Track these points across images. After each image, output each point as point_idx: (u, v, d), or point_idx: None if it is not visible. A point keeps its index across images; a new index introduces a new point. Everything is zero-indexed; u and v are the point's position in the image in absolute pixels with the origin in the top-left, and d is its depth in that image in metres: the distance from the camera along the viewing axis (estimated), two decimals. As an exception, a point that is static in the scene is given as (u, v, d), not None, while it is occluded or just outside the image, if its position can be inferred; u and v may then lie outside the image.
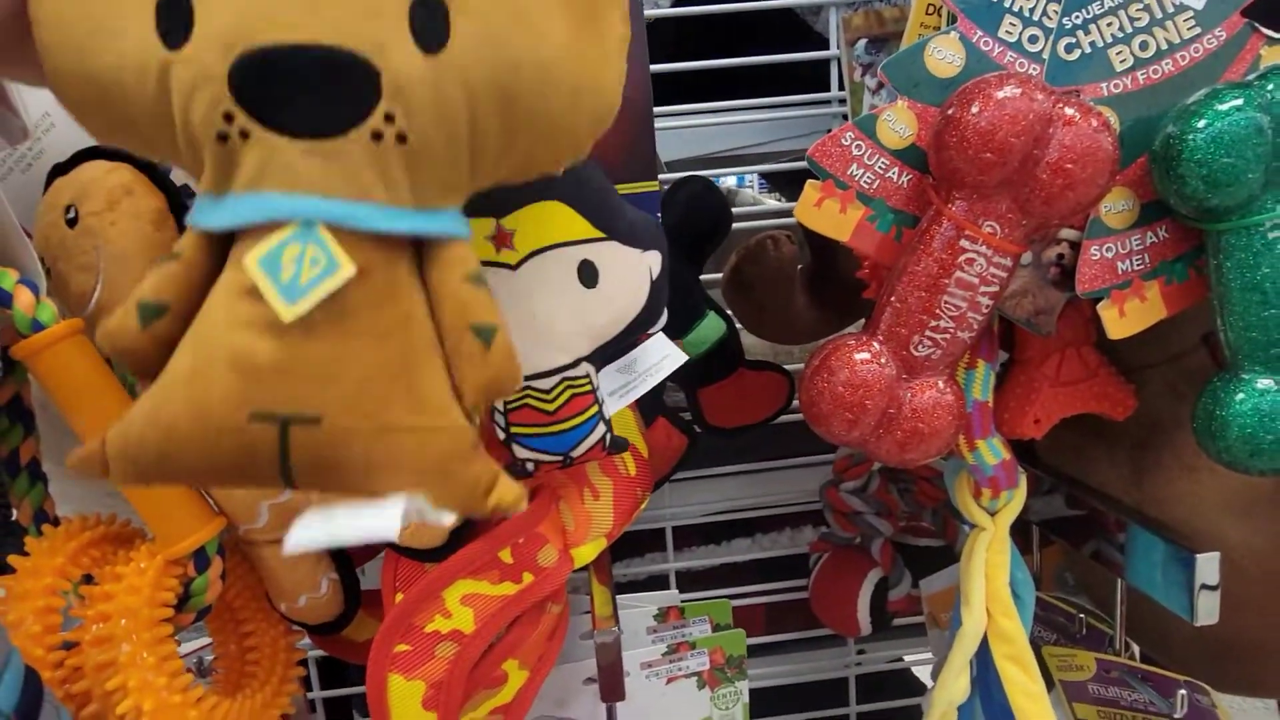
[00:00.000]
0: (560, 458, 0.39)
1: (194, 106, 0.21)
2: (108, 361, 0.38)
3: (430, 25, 0.22)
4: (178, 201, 0.39)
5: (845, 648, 0.72)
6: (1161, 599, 0.44)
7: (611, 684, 0.43)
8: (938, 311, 0.36)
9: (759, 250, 0.50)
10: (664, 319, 0.41)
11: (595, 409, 0.39)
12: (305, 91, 0.21)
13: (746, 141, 0.66)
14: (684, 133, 0.63)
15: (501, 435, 0.38)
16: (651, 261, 0.38)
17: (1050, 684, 0.52)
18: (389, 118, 0.22)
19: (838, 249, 0.51)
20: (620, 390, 0.41)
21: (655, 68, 0.55)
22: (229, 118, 0.21)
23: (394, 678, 0.39)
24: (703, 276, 0.54)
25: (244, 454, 0.22)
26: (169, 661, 0.37)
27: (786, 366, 0.58)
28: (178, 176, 0.42)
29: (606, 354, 0.40)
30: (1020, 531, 0.58)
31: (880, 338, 0.37)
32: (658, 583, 0.71)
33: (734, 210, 0.62)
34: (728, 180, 1.09)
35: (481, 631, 0.40)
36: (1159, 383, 0.45)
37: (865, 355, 0.37)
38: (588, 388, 0.39)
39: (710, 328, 0.54)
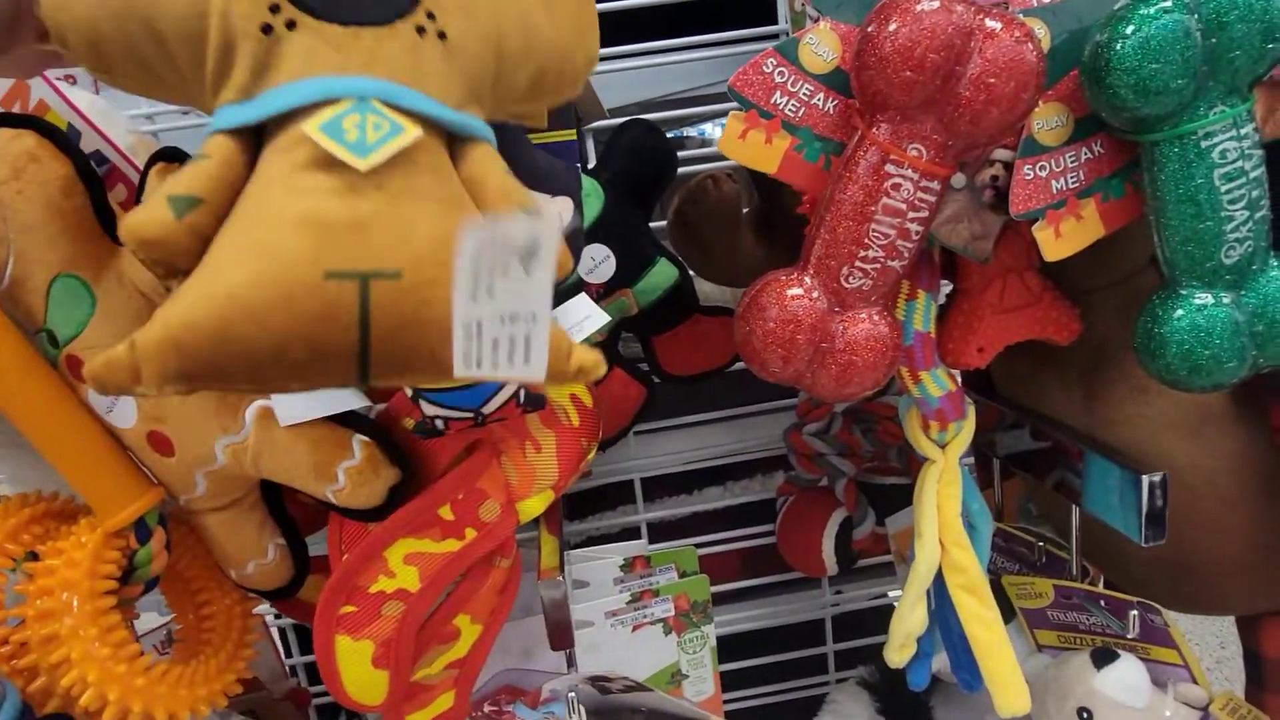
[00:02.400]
0: (471, 414, 0.39)
1: (238, 3, 0.21)
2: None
3: None
4: (85, 167, 0.38)
5: (822, 589, 0.73)
6: (1116, 523, 0.44)
7: (560, 634, 0.43)
8: (866, 241, 0.35)
9: (699, 190, 0.49)
10: (577, 268, 0.40)
11: None
12: None
13: (698, 83, 0.64)
14: (629, 77, 0.61)
15: (409, 391, 0.38)
16: (561, 208, 0.38)
17: (1012, 612, 0.53)
18: (430, 15, 0.23)
19: (783, 186, 0.50)
20: None
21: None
22: (275, 8, 0.22)
23: (341, 639, 0.39)
24: (654, 224, 0.53)
25: (321, 318, 0.21)
26: (113, 633, 0.37)
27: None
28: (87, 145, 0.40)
29: None
30: (981, 465, 0.58)
31: (811, 271, 0.36)
32: (630, 535, 0.71)
33: (693, 153, 0.61)
34: (692, 130, 1.06)
35: (427, 589, 0.40)
36: (1108, 306, 0.44)
37: (796, 290, 0.36)
38: None
39: (661, 275, 0.53)
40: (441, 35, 0.23)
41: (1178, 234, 0.35)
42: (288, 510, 0.44)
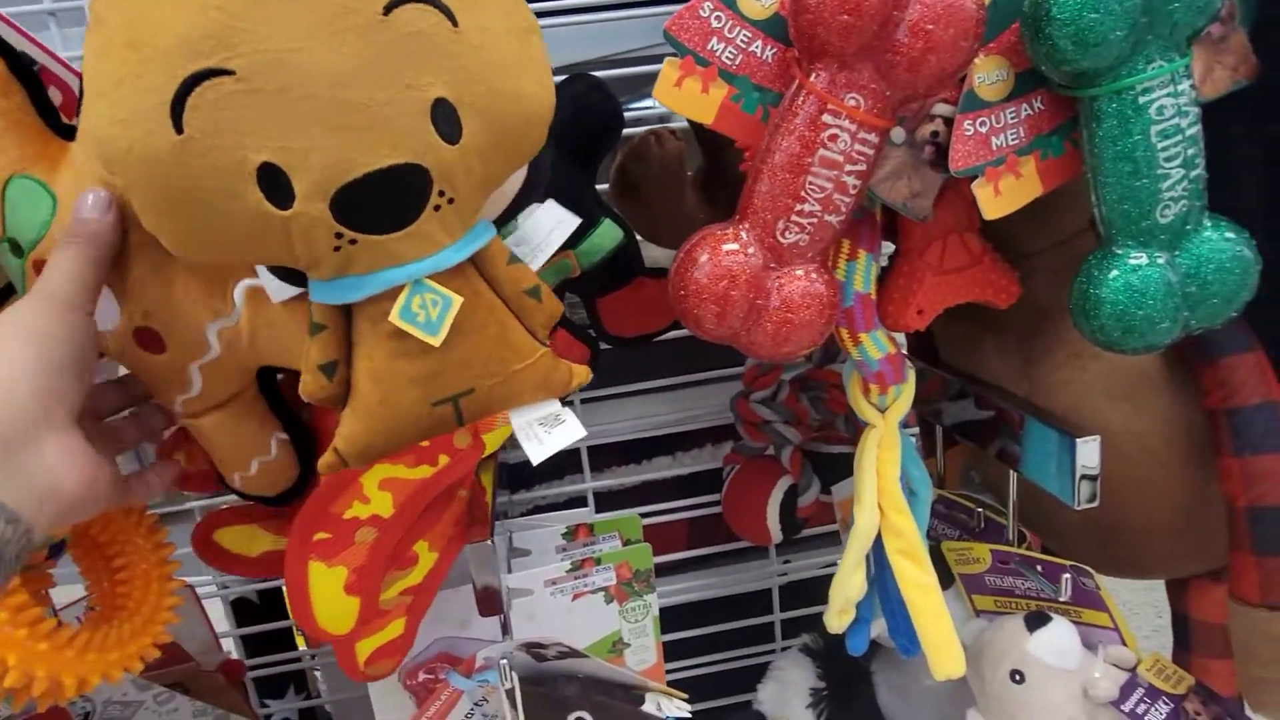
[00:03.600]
0: None
1: (314, 239, 0.31)
2: None
3: (449, 128, 0.31)
4: (18, 65, 0.36)
5: (769, 559, 0.73)
6: (1053, 488, 0.44)
7: (488, 599, 0.42)
8: (802, 194, 0.34)
9: (642, 147, 0.48)
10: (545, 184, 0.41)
11: None
12: (386, 202, 0.31)
13: (643, 43, 0.62)
14: (571, 33, 0.59)
15: None
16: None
17: (950, 578, 0.53)
18: (441, 193, 0.32)
19: (727, 144, 0.48)
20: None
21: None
22: (339, 235, 0.31)
23: (315, 565, 0.38)
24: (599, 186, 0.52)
25: (434, 424, 0.36)
26: (10, 597, 0.35)
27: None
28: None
29: (499, 225, 0.40)
30: (926, 433, 0.58)
31: (746, 225, 0.35)
32: (578, 505, 0.70)
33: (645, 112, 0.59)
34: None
35: (399, 516, 0.39)
36: (1046, 270, 0.44)
37: (731, 245, 0.35)
38: None
39: (605, 235, 0.52)
40: (450, 200, 0.32)
41: (1114, 192, 0.34)
42: (288, 404, 0.43)
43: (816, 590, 0.76)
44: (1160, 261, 0.35)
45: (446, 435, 0.40)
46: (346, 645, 0.41)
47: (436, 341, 0.33)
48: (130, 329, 0.37)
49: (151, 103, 0.28)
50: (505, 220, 0.41)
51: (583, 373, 0.39)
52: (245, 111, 0.28)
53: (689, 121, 0.51)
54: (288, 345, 0.38)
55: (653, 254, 0.67)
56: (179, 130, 0.28)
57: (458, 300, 0.33)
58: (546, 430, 0.37)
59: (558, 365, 0.38)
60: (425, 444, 0.39)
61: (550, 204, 0.41)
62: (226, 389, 0.40)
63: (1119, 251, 0.35)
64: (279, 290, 0.37)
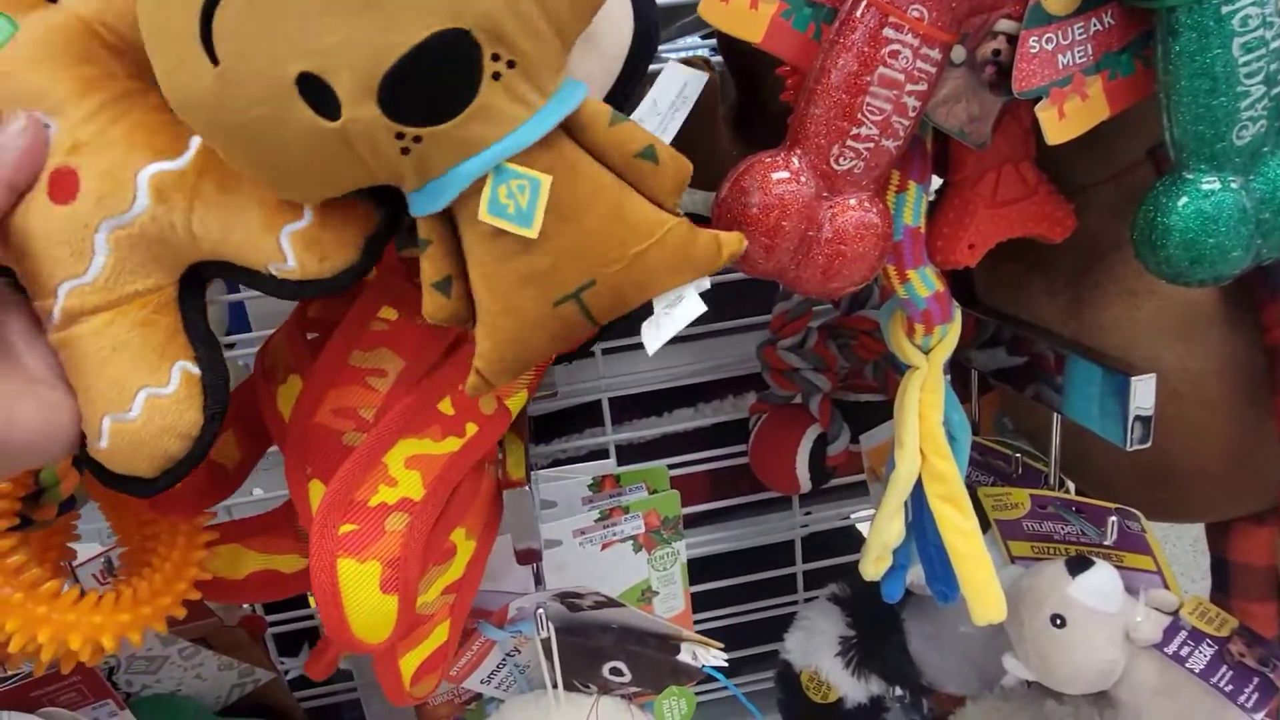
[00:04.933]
0: None
1: (376, 144, 0.27)
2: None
3: None
4: None
5: (791, 510, 0.72)
6: (1097, 429, 0.43)
7: (526, 546, 0.41)
8: (859, 117, 0.32)
9: (674, 78, 0.45)
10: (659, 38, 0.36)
11: None
12: (435, 83, 0.27)
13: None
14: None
15: None
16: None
17: (986, 525, 0.52)
18: (495, 57, 0.27)
19: (764, 76, 0.46)
20: None
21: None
22: (400, 135, 0.27)
23: (344, 562, 0.33)
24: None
25: (564, 326, 0.31)
26: (22, 574, 0.34)
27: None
28: None
29: (616, 105, 0.34)
30: (959, 379, 0.57)
31: (798, 152, 0.33)
32: (599, 458, 0.69)
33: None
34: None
35: (431, 497, 0.36)
36: (1100, 204, 0.42)
37: (782, 173, 0.33)
38: None
39: None
40: (511, 64, 0.27)
41: (1189, 112, 0.33)
42: (208, 332, 0.33)
43: (838, 542, 0.75)
44: (1234, 186, 0.33)
45: (473, 402, 0.37)
46: (390, 663, 0.38)
47: (532, 233, 0.28)
48: (49, 169, 0.30)
49: (184, 41, 0.26)
50: (625, 94, 0.35)
51: (734, 240, 0.32)
52: (268, 20, 0.25)
53: (722, 52, 0.49)
54: (235, 219, 0.30)
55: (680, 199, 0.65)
56: (215, 61, 0.26)
57: (546, 180, 0.28)
58: (667, 312, 0.32)
59: (696, 236, 0.31)
60: (451, 413, 0.37)
61: (671, 64, 0.36)
62: (133, 279, 0.31)
63: (1190, 176, 0.34)
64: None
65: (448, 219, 0.30)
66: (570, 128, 0.29)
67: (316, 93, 0.26)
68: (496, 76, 0.27)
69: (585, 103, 0.29)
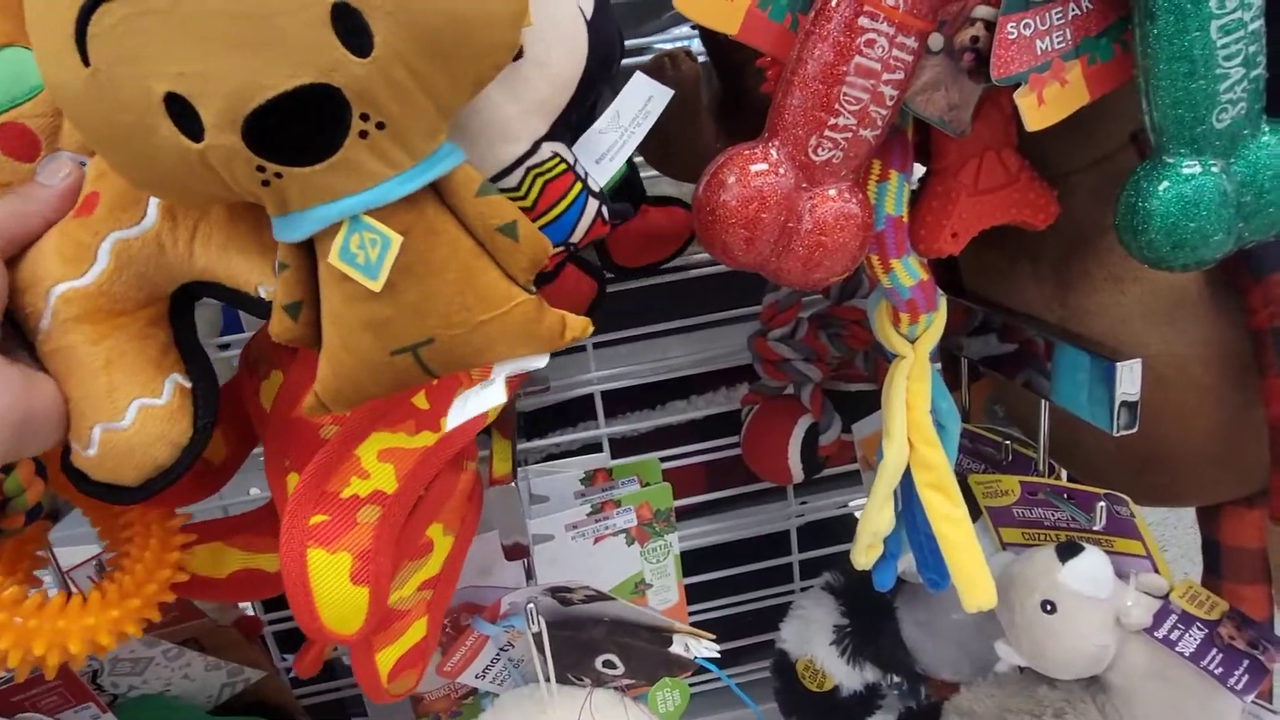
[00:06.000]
0: (562, 248, 0.36)
1: (235, 172, 0.28)
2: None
3: (355, 38, 0.26)
4: None
5: (786, 500, 0.72)
6: (1085, 415, 0.43)
7: (514, 542, 0.41)
8: (836, 107, 0.32)
9: (656, 71, 0.45)
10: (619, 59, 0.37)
11: (578, 187, 0.36)
12: (298, 133, 0.27)
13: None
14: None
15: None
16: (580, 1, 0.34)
17: (977, 512, 0.52)
18: (364, 116, 0.27)
19: (746, 68, 0.46)
20: (611, 151, 0.37)
21: None
22: (261, 169, 0.27)
23: (314, 552, 0.34)
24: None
25: (398, 375, 0.31)
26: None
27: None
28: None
29: (571, 123, 0.36)
30: (949, 367, 0.57)
31: (776, 143, 0.33)
32: (592, 452, 0.69)
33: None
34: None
35: (404, 491, 0.36)
36: (1084, 189, 0.42)
37: (760, 165, 0.33)
38: (561, 169, 0.35)
39: None
40: (380, 125, 0.27)
41: (1168, 95, 0.32)
42: (199, 347, 0.35)
43: (833, 531, 0.75)
44: (1214, 170, 0.33)
45: (448, 398, 0.37)
46: (365, 658, 0.38)
47: (376, 286, 0.29)
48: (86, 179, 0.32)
49: (60, 35, 0.26)
50: (579, 113, 0.36)
51: (579, 325, 0.33)
52: (142, 36, 0.25)
53: (704, 44, 0.49)
54: (235, 252, 0.33)
55: (665, 191, 0.65)
56: (86, 63, 0.26)
57: (396, 240, 0.29)
58: (478, 392, 0.33)
59: (543, 315, 0.32)
60: (426, 407, 0.37)
61: (638, 76, 0.36)
62: (130, 290, 0.33)
63: (1170, 160, 0.33)
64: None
65: (308, 248, 0.30)
66: (440, 190, 0.30)
67: (182, 114, 0.27)
68: (364, 135, 0.27)
69: (457, 169, 0.30)
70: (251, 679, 0.54)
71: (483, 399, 0.32)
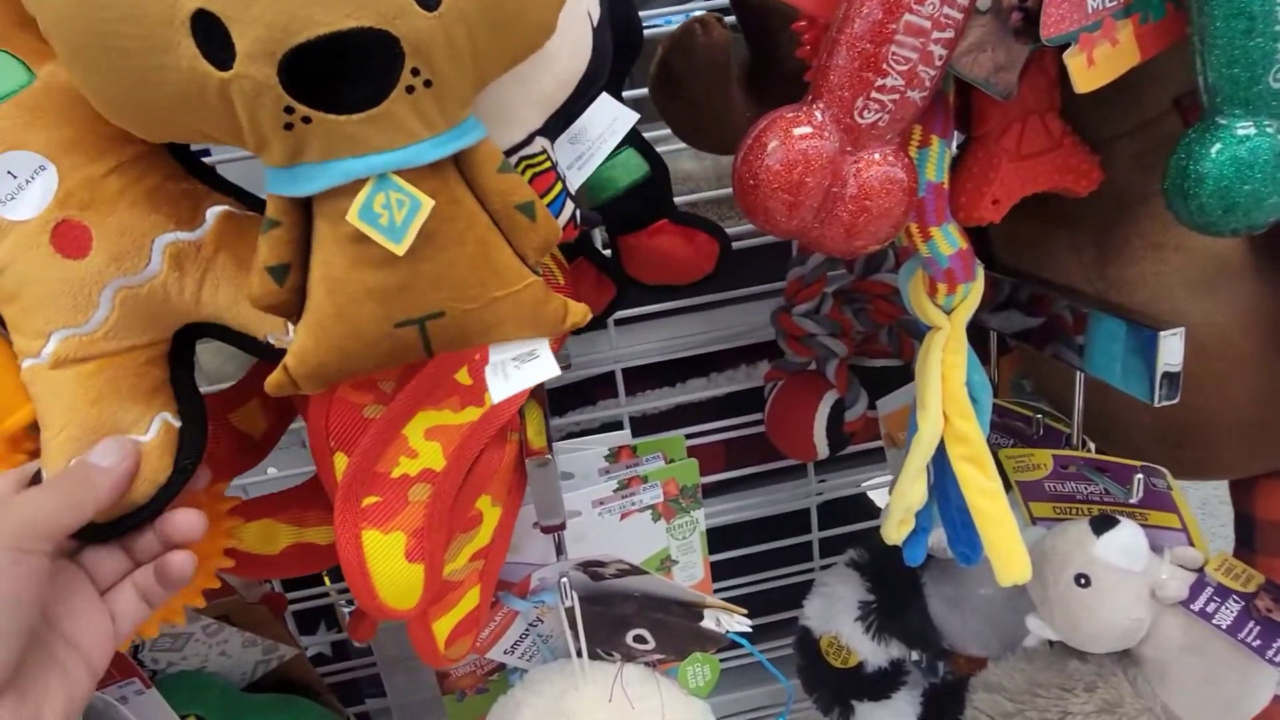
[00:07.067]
0: None
1: (259, 110, 0.25)
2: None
3: None
4: None
5: (806, 479, 0.72)
6: (1120, 385, 0.43)
7: (550, 514, 0.41)
8: (884, 67, 0.31)
9: (685, 38, 0.44)
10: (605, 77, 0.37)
11: (559, 186, 0.35)
12: (347, 74, 0.25)
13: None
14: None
15: None
16: (589, 4, 0.33)
17: (1008, 487, 0.52)
18: (415, 71, 0.26)
19: (777, 33, 0.45)
20: (575, 163, 0.37)
21: None
22: (290, 110, 0.25)
23: (369, 534, 0.34)
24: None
25: (399, 350, 0.30)
26: None
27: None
28: None
29: (558, 123, 0.36)
30: (978, 340, 0.56)
31: (820, 106, 0.33)
32: (613, 430, 0.69)
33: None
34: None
35: (452, 467, 0.36)
36: (1125, 156, 0.41)
37: (804, 128, 0.32)
38: (547, 164, 0.35)
39: (624, 167, 0.48)
40: (428, 84, 0.26)
41: (1224, 54, 0.32)
42: (192, 382, 0.34)
43: (850, 509, 0.75)
44: (1270, 131, 0.32)
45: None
46: (422, 627, 0.38)
47: (400, 249, 0.27)
48: (53, 221, 0.30)
49: None
50: (567, 121, 0.37)
51: (579, 311, 0.33)
52: None
53: (734, 9, 0.48)
54: (244, 305, 0.31)
55: (685, 167, 0.64)
56: None
57: (428, 203, 0.28)
58: (517, 365, 0.32)
59: (549, 299, 0.32)
60: (469, 383, 0.36)
61: (605, 98, 0.37)
62: (132, 335, 0.31)
63: (1224, 122, 0.33)
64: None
65: (304, 206, 0.28)
66: (461, 163, 0.29)
67: (210, 36, 0.24)
68: (410, 90, 0.26)
69: (482, 143, 0.29)
70: (286, 656, 0.54)
71: (532, 371, 0.31)
